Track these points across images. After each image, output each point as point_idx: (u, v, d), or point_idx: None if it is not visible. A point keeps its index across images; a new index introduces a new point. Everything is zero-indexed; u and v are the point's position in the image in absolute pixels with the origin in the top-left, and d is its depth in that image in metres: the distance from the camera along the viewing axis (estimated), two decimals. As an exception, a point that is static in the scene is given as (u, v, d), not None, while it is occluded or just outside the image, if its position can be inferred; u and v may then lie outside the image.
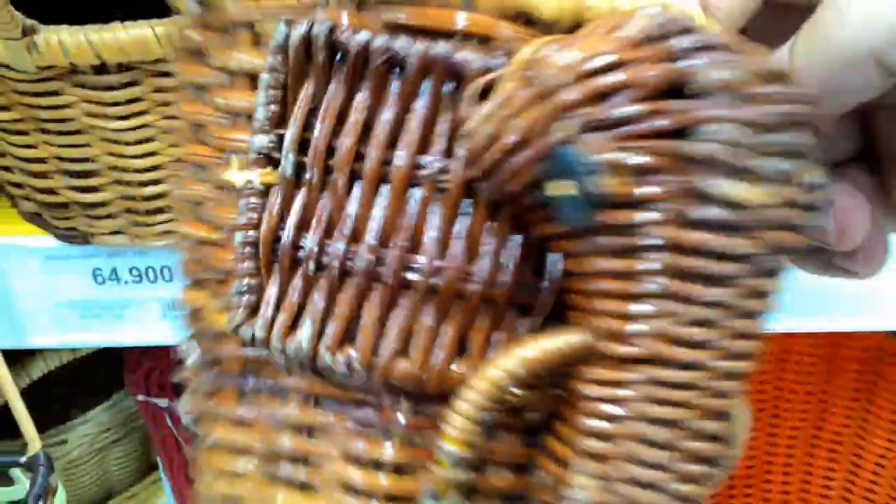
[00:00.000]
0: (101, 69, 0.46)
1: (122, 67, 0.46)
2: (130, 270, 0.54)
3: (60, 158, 0.49)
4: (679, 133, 0.20)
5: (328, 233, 0.24)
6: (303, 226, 0.24)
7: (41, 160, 0.50)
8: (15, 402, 0.52)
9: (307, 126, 0.23)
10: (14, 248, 0.54)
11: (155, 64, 0.46)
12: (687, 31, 0.20)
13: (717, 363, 0.21)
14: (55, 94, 0.47)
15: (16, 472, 0.54)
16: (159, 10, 0.45)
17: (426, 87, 0.23)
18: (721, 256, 0.20)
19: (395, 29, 0.23)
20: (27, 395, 0.55)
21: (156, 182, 0.50)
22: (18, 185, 0.53)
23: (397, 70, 0.23)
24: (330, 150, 0.23)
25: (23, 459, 0.53)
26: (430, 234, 0.23)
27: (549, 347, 0.22)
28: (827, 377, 0.83)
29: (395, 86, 0.23)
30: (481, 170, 0.22)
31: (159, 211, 0.51)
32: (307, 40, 0.23)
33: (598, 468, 0.21)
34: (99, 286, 0.55)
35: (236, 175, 0.25)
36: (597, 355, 0.21)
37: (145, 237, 0.52)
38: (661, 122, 0.20)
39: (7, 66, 0.46)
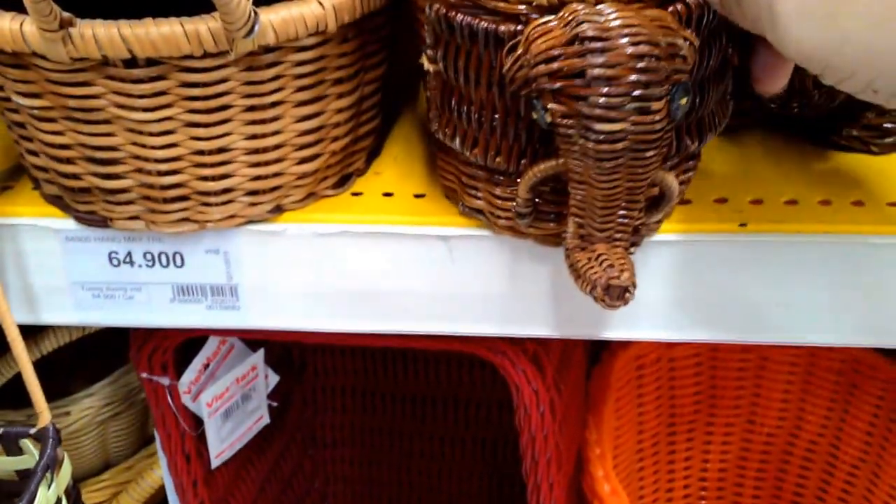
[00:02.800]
0: (131, 63, 0.48)
1: (151, 62, 0.48)
2: (144, 255, 0.56)
3: (85, 146, 0.51)
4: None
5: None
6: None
7: (66, 146, 0.52)
8: (29, 376, 0.54)
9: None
10: (35, 229, 0.56)
11: (182, 60, 0.48)
12: None
13: None
14: (86, 84, 0.48)
15: (25, 443, 0.56)
16: (189, 9, 0.48)
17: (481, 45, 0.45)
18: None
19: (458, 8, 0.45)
20: (35, 367, 0.57)
21: (175, 172, 0.52)
22: (43, 169, 0.55)
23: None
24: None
25: (33, 431, 0.55)
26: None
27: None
28: (804, 386, 0.86)
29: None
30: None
31: (176, 200, 0.53)
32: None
33: None
34: (114, 268, 0.57)
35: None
36: None
37: (160, 224, 0.54)
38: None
39: (41, 56, 0.47)
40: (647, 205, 0.49)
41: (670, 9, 0.43)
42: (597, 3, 0.41)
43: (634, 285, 0.45)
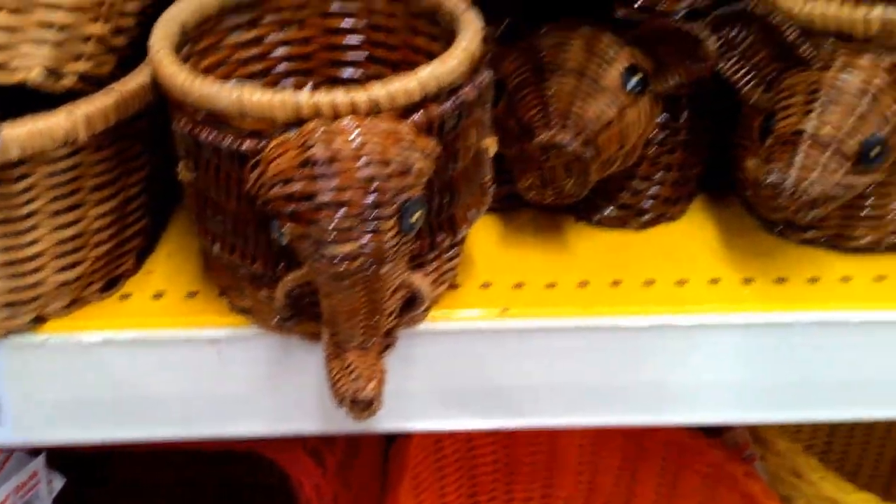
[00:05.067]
0: None
1: None
2: None
3: None
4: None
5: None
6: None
7: None
8: None
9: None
10: None
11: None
12: None
13: None
14: None
15: None
16: None
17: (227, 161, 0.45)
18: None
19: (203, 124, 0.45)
20: None
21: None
22: None
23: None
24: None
25: None
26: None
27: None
28: (594, 448, 0.88)
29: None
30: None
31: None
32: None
33: None
34: None
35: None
36: None
37: None
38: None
39: None
40: (400, 307, 0.50)
41: (410, 118, 0.44)
42: (335, 117, 0.42)
43: (379, 396, 0.45)
